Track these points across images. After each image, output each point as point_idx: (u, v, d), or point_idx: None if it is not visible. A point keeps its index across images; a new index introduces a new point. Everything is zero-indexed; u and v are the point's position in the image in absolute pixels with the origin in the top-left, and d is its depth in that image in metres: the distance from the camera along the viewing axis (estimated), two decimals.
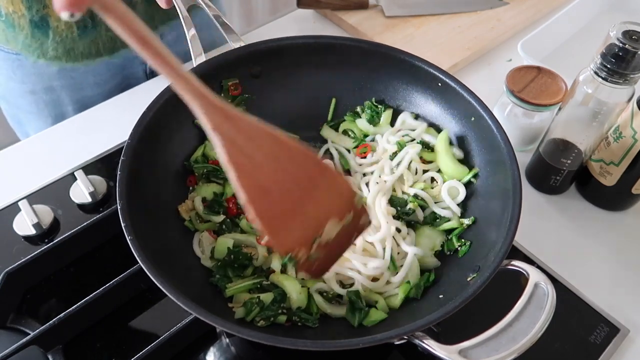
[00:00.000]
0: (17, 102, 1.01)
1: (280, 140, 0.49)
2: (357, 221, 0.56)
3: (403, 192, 0.73)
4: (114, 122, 0.91)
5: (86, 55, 0.91)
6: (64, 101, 1.00)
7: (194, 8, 0.80)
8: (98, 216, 0.75)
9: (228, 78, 0.77)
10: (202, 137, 0.77)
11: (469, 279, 0.60)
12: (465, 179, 0.72)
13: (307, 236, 0.53)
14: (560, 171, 0.80)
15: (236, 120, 0.47)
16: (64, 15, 0.37)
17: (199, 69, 0.74)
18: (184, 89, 0.45)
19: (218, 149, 0.46)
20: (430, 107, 0.78)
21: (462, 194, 0.71)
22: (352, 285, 0.66)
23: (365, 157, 0.77)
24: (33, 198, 0.81)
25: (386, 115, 0.79)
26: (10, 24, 0.84)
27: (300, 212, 0.51)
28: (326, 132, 0.82)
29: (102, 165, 0.86)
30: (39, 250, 0.71)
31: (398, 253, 0.68)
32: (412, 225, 0.71)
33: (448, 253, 0.69)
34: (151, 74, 1.07)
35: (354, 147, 0.80)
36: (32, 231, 0.77)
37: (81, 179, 0.81)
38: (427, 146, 0.76)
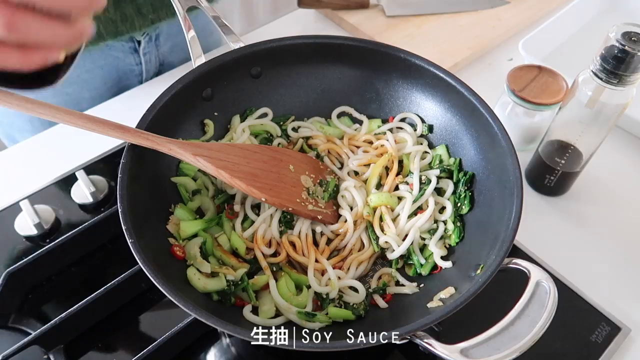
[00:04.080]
0: (11, 121, 1.00)
1: (237, 145, 0.72)
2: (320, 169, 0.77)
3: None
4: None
5: (90, 40, 0.90)
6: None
7: (193, 9, 0.80)
8: (99, 216, 0.75)
9: None
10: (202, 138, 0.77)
11: (470, 278, 0.60)
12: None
13: (296, 192, 0.72)
14: (555, 171, 0.80)
15: (203, 146, 0.67)
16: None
17: (199, 70, 0.73)
18: (168, 150, 0.64)
19: (206, 166, 0.65)
20: (431, 106, 0.78)
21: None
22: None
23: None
24: (34, 198, 0.81)
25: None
26: None
27: (282, 178, 0.72)
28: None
29: (103, 165, 0.86)
30: (40, 251, 0.71)
31: None
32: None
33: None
34: None
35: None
36: (33, 231, 0.77)
37: (82, 179, 0.81)
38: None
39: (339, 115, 0.83)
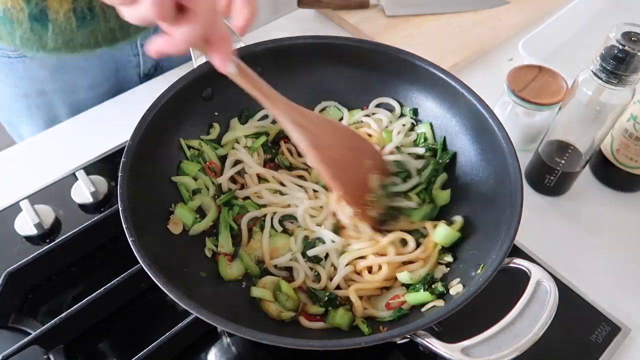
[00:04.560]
0: (10, 105, 1.01)
1: (333, 123, 0.70)
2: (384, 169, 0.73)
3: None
4: (115, 122, 0.91)
5: (85, 46, 0.90)
6: (57, 105, 0.99)
7: None
8: (99, 216, 0.75)
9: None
10: (202, 138, 0.77)
11: (470, 277, 0.60)
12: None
13: (365, 191, 0.69)
14: (555, 171, 0.80)
15: (306, 114, 0.64)
16: (231, 68, 0.56)
17: (199, 70, 0.73)
18: (274, 108, 0.62)
19: (300, 139, 0.63)
20: (431, 106, 0.78)
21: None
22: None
23: None
24: (34, 198, 0.81)
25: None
26: (8, 19, 0.83)
27: (358, 173, 0.68)
28: None
29: (103, 165, 0.86)
30: (40, 250, 0.71)
31: None
32: None
33: None
34: (145, 77, 1.06)
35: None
36: (33, 231, 0.77)
37: (82, 179, 0.81)
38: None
39: (322, 110, 0.83)
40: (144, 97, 0.69)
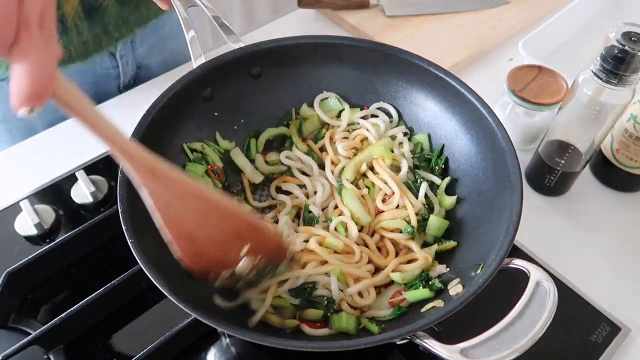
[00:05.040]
0: None
1: (210, 200, 0.53)
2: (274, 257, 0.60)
3: None
4: (115, 122, 0.90)
5: (59, 62, 0.89)
6: (37, 126, 0.96)
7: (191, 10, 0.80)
8: (99, 216, 0.75)
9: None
10: (200, 139, 0.77)
11: (470, 278, 0.60)
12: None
13: (222, 266, 0.57)
14: (555, 171, 0.80)
15: (164, 180, 0.50)
16: (22, 113, 0.37)
17: (199, 70, 0.73)
18: (116, 150, 0.48)
19: (146, 199, 0.50)
20: (431, 106, 0.78)
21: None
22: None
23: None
24: (34, 198, 0.81)
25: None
26: None
27: (221, 253, 0.56)
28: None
29: (103, 165, 0.86)
30: (40, 251, 0.71)
31: None
32: None
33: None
34: (124, 89, 1.05)
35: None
36: (33, 231, 0.77)
37: (82, 179, 0.81)
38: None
39: (322, 100, 0.82)
40: (146, 95, 0.69)
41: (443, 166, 0.76)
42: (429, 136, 0.78)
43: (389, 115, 0.81)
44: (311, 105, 0.82)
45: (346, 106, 0.81)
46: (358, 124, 0.80)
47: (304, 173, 0.78)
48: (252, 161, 0.78)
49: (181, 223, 0.52)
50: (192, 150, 0.74)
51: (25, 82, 0.37)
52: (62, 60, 0.89)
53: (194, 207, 0.52)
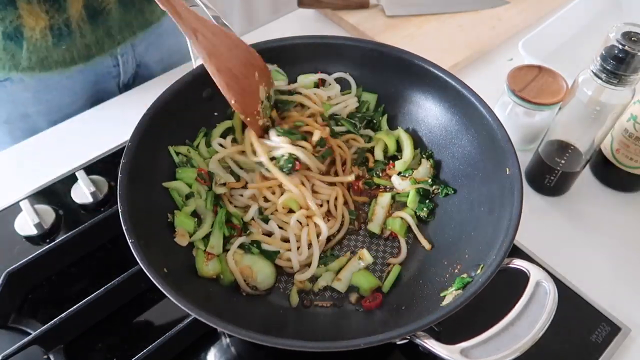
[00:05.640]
0: None
1: (232, 37, 0.70)
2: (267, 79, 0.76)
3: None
4: (116, 122, 0.91)
5: (60, 64, 0.89)
6: (40, 126, 0.96)
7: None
8: (99, 216, 0.75)
9: None
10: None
11: (470, 278, 0.60)
12: None
13: (256, 102, 0.72)
14: (555, 171, 0.80)
15: (208, 25, 0.66)
16: None
17: (199, 70, 0.73)
18: (176, 16, 0.62)
19: (196, 45, 0.64)
20: (431, 106, 0.78)
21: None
22: None
23: None
24: (34, 198, 0.81)
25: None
26: None
27: (249, 85, 0.71)
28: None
29: (103, 165, 0.86)
30: (40, 251, 0.71)
31: None
32: None
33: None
34: (124, 88, 1.05)
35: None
36: (33, 231, 0.77)
37: (82, 179, 0.81)
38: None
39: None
40: (147, 95, 0.69)
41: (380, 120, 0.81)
42: (378, 99, 0.82)
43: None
44: None
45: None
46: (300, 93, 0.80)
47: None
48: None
49: (221, 60, 0.67)
50: (178, 154, 0.73)
51: None
52: (64, 62, 0.90)
53: (224, 42, 0.68)
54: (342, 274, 0.70)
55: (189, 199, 0.71)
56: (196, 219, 0.70)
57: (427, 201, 0.75)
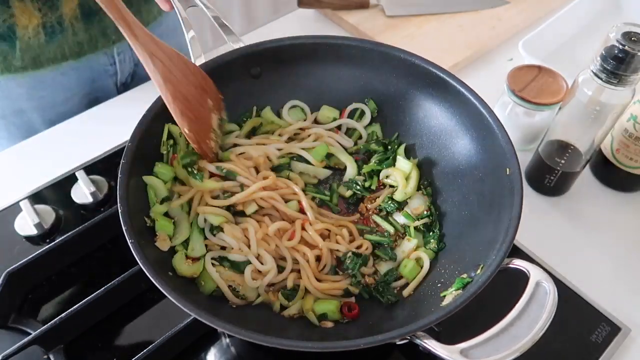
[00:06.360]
0: None
1: (184, 59, 0.68)
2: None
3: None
4: (115, 122, 0.90)
5: (52, 60, 0.88)
6: (35, 122, 0.96)
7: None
8: (99, 216, 0.75)
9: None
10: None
11: (470, 278, 0.60)
12: None
13: (208, 129, 0.71)
14: (555, 171, 0.80)
15: (163, 48, 0.65)
16: None
17: None
18: (134, 39, 0.61)
19: (152, 69, 0.63)
20: (431, 106, 0.78)
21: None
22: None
23: None
24: (34, 198, 0.81)
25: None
26: None
27: (202, 111, 0.70)
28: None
29: (103, 165, 0.86)
30: (40, 251, 0.71)
31: None
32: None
33: None
34: (122, 86, 1.05)
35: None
36: (33, 231, 0.77)
37: (82, 179, 0.81)
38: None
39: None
40: (147, 94, 0.69)
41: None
42: (381, 126, 0.82)
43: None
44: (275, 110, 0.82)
45: (307, 110, 0.82)
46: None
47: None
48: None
49: (176, 86, 0.65)
50: (169, 137, 0.71)
51: None
52: (56, 59, 0.89)
53: (179, 66, 0.66)
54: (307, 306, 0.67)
55: (164, 202, 0.67)
56: (173, 221, 0.67)
57: (431, 233, 0.73)
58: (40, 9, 0.80)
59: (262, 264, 0.67)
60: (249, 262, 0.67)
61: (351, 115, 0.82)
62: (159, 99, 0.69)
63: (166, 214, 0.68)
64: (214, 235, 0.68)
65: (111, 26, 0.91)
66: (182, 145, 0.72)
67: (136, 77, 1.06)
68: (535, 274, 0.56)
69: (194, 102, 0.67)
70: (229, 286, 0.65)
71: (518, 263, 0.59)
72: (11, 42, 0.82)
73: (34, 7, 0.79)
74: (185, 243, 0.67)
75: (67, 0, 0.81)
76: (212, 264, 0.66)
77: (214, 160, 0.72)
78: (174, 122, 0.68)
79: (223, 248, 0.69)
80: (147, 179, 0.67)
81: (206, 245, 0.68)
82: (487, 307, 0.59)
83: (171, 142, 0.71)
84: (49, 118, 0.96)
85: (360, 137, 0.82)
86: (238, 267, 0.67)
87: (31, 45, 0.84)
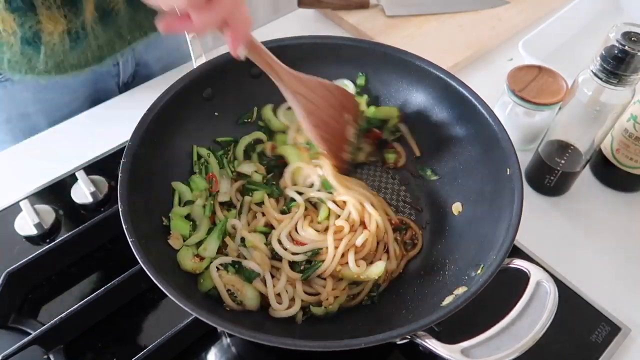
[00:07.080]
0: None
1: (324, 84, 0.71)
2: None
3: None
4: (116, 122, 0.90)
5: (75, 67, 0.89)
6: (40, 125, 0.96)
7: None
8: (99, 216, 0.75)
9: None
10: (201, 139, 0.77)
11: (470, 278, 0.60)
12: None
13: (344, 145, 0.75)
14: (555, 171, 0.80)
15: (305, 82, 0.67)
16: (240, 53, 0.58)
17: (199, 70, 0.73)
18: (280, 82, 0.65)
19: (296, 105, 0.68)
20: (431, 107, 0.78)
21: None
22: None
23: None
24: (34, 198, 0.81)
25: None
26: None
27: (339, 129, 0.73)
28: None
29: (103, 165, 0.86)
30: (40, 251, 0.71)
31: None
32: None
33: None
34: (124, 87, 1.05)
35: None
36: (33, 231, 0.77)
37: (82, 179, 0.81)
38: None
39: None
40: (147, 94, 0.69)
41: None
42: (379, 100, 0.82)
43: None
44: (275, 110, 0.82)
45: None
46: None
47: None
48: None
49: (317, 114, 0.69)
50: (199, 157, 0.75)
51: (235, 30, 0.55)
52: (79, 65, 0.90)
53: (320, 94, 0.69)
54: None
55: (187, 205, 0.71)
56: (191, 223, 0.69)
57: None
58: (66, 15, 0.80)
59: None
60: (258, 275, 0.67)
61: None
62: (160, 98, 0.69)
63: (187, 216, 0.70)
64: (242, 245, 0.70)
65: (124, 26, 0.91)
66: (213, 165, 0.75)
67: (137, 77, 1.06)
68: (535, 274, 0.56)
69: (332, 123, 0.72)
70: (227, 290, 0.65)
71: (518, 263, 0.59)
72: (36, 48, 0.82)
73: (59, 13, 0.80)
74: (197, 245, 0.68)
75: (87, 2, 0.81)
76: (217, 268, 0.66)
77: (345, 172, 0.76)
78: (180, 129, 0.72)
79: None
80: (175, 184, 0.72)
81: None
82: (488, 306, 0.59)
83: (202, 160, 0.75)
84: (53, 119, 0.96)
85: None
86: (248, 277, 0.66)
87: (56, 51, 0.84)
